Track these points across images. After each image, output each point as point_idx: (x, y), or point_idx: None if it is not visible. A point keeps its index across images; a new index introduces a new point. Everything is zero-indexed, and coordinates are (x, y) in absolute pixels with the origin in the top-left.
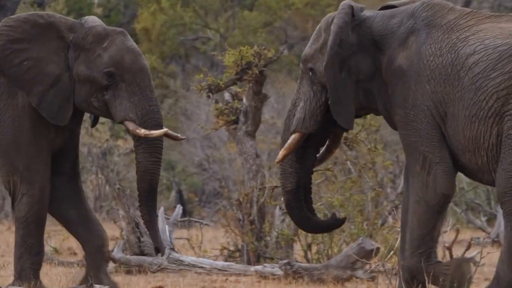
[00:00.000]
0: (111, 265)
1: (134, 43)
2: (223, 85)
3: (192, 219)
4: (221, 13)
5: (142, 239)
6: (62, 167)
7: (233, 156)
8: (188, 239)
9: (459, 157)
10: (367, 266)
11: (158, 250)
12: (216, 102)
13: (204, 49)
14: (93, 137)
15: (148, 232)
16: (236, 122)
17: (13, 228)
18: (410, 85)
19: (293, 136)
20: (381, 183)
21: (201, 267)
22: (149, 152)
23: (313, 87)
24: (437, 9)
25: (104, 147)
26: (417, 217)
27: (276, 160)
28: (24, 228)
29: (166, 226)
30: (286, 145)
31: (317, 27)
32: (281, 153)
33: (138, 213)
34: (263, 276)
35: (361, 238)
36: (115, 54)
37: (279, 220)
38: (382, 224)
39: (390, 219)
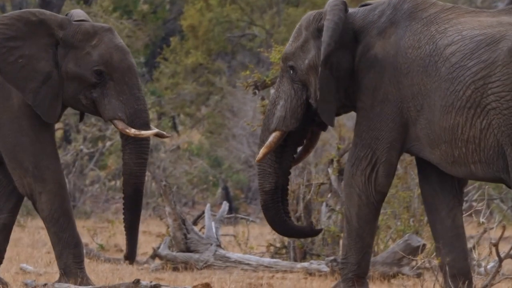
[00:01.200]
0: (157, 262)
1: (122, 41)
2: (269, 82)
3: (238, 215)
4: (266, 10)
5: (188, 235)
6: None
7: None
8: (234, 236)
9: (433, 149)
10: (414, 263)
11: (128, 258)
12: (262, 98)
13: (250, 46)
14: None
15: (128, 239)
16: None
17: None
18: (383, 77)
19: (273, 134)
20: None
21: (248, 264)
22: (136, 153)
23: (294, 85)
24: (418, 2)
25: (150, 144)
26: (356, 210)
27: (256, 159)
28: (55, 225)
29: (213, 223)
30: (267, 143)
31: (297, 25)
32: (262, 151)
33: (185, 209)
34: (309, 273)
35: (407, 234)
36: (104, 52)
37: (326, 217)
38: None
39: None
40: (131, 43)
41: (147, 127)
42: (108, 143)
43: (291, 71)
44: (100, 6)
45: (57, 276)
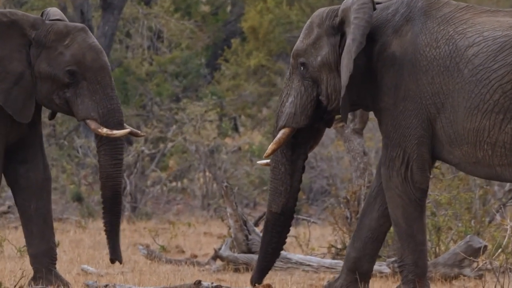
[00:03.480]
0: (218, 263)
1: (96, 40)
2: None
3: (299, 217)
4: None
5: (249, 237)
6: (24, 156)
7: (340, 154)
8: (295, 237)
9: (454, 149)
10: (475, 264)
11: (114, 261)
12: None
13: None
14: (201, 135)
15: (109, 242)
16: (343, 120)
17: (122, 226)
18: (403, 75)
19: (282, 131)
20: (488, 181)
21: (309, 265)
22: (110, 154)
23: (304, 82)
24: (432, 1)
25: (211, 145)
26: (401, 211)
27: (264, 154)
28: None
29: None
30: (276, 139)
31: (308, 22)
32: (270, 147)
33: (246, 210)
34: None
35: (468, 236)
36: (77, 52)
37: None
38: (490, 222)
39: (497, 217)
40: (192, 44)
41: (121, 127)
42: (169, 145)
43: (302, 67)
44: (161, 7)
45: (118, 277)
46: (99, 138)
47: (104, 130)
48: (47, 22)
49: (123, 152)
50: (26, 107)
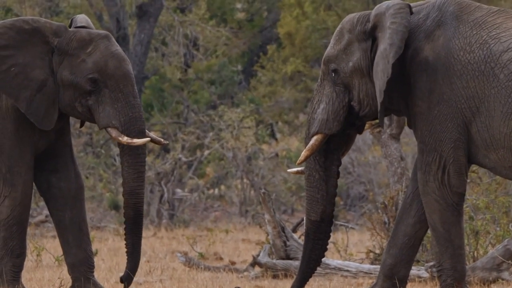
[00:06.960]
0: (257, 269)
1: (119, 48)
2: None
3: (337, 222)
4: None
5: (288, 243)
6: (54, 165)
7: (377, 159)
8: (334, 243)
9: (489, 152)
10: None
11: (123, 282)
12: None
13: None
14: (238, 141)
15: (129, 263)
16: (380, 125)
17: (160, 234)
18: (436, 79)
19: (315, 137)
20: None
21: (347, 271)
22: (132, 167)
23: (336, 88)
24: (463, 6)
25: (249, 152)
26: (439, 216)
27: (298, 161)
28: (6, 231)
29: None
30: (308, 146)
31: (339, 28)
32: (303, 154)
33: (284, 217)
34: (409, 279)
35: (506, 239)
36: (99, 60)
37: None
38: None
39: None
40: (228, 51)
41: (142, 135)
42: (206, 152)
43: (333, 73)
44: (196, 15)
45: (157, 285)
46: (121, 147)
47: (125, 139)
48: (70, 29)
49: (145, 164)
50: (48, 115)
